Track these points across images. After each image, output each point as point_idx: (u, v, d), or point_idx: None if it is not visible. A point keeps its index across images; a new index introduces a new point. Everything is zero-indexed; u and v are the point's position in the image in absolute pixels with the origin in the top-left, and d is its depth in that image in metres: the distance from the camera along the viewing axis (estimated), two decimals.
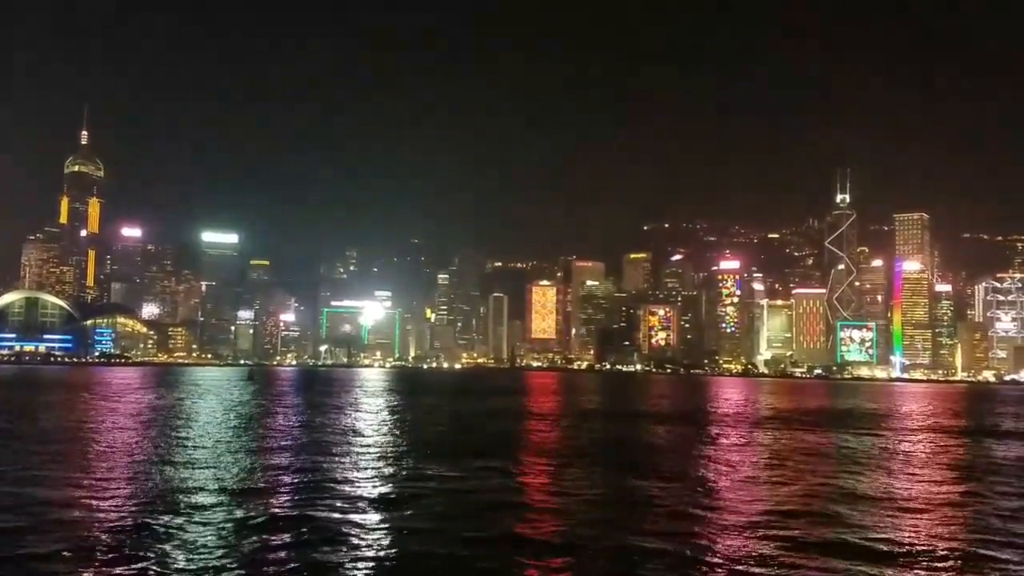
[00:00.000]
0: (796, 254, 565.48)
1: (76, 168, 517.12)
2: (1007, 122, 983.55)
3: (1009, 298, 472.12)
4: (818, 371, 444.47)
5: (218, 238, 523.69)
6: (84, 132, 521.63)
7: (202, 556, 18.50)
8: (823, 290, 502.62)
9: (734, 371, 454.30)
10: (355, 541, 20.41)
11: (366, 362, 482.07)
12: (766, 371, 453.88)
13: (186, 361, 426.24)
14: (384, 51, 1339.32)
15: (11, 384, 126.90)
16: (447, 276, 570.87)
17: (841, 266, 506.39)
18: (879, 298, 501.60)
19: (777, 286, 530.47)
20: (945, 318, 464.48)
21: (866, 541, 21.25)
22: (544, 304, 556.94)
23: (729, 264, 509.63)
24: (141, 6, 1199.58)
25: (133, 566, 17.66)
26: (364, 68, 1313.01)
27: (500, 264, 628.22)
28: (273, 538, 20.41)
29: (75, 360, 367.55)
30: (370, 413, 70.10)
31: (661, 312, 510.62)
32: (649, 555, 19.34)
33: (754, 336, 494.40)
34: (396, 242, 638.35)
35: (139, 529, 20.91)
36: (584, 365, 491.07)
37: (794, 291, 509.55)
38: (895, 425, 69.50)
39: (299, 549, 19.41)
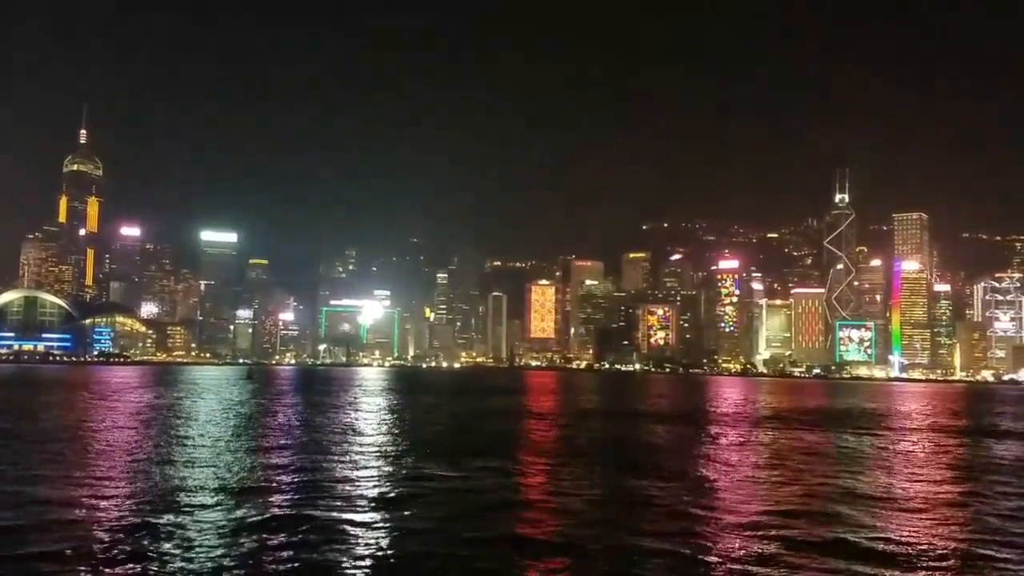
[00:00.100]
0: (795, 254, 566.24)
1: (75, 167, 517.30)
2: (1007, 122, 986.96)
3: (1008, 298, 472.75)
4: (817, 371, 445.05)
5: (217, 237, 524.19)
6: (83, 131, 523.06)
7: (202, 556, 18.50)
8: (822, 290, 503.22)
9: (733, 371, 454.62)
10: (354, 541, 20.41)
11: (365, 361, 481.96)
12: (765, 371, 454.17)
13: (185, 360, 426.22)
14: (384, 51, 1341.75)
15: (10, 383, 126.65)
16: (446, 275, 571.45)
17: (840, 266, 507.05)
18: (878, 298, 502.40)
19: (776, 286, 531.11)
20: (944, 318, 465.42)
21: (866, 541, 21.26)
22: (543, 304, 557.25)
23: (728, 264, 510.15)
24: (141, 6, 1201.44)
25: (133, 566, 17.65)
26: (364, 68, 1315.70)
27: (499, 264, 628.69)
28: (273, 538, 20.40)
29: (74, 359, 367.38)
30: (369, 412, 69.98)
31: (660, 312, 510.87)
32: (649, 555, 19.33)
33: (753, 336, 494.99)
34: (395, 242, 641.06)
35: (139, 529, 20.88)
36: (583, 364, 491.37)
37: (793, 291, 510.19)
38: (894, 425, 69.53)
39: (299, 549, 19.39)
